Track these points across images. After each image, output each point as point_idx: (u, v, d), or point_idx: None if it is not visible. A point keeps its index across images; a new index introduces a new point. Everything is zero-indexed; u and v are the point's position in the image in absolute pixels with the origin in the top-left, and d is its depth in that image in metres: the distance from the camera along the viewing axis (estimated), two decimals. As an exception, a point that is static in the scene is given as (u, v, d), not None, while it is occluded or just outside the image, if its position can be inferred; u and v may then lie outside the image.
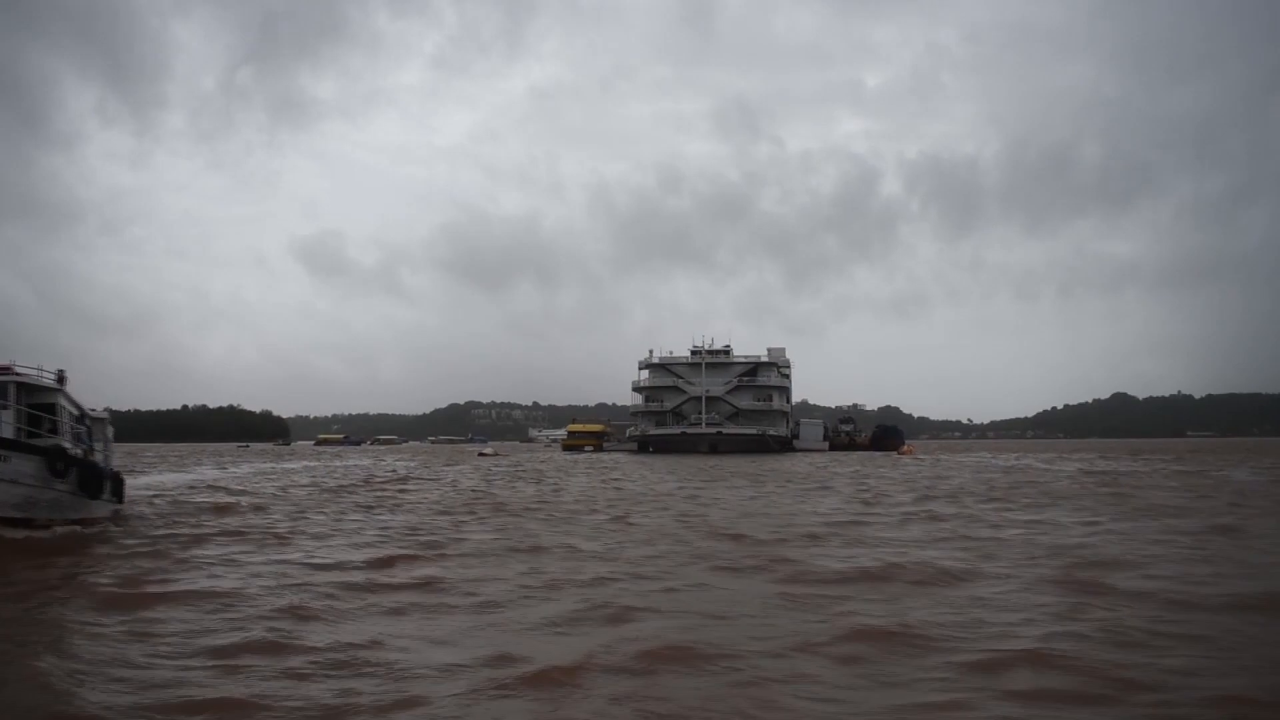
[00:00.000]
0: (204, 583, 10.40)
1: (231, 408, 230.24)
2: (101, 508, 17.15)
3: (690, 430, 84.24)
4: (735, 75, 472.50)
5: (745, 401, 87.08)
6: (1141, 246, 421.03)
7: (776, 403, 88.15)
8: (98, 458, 19.52)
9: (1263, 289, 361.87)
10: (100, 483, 16.52)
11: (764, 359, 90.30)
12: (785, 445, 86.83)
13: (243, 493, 27.25)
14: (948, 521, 17.13)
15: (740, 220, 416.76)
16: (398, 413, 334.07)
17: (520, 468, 48.11)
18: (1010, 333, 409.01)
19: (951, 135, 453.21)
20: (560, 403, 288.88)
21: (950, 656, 6.83)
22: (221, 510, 20.72)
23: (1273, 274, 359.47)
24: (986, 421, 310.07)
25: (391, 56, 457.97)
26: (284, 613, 8.64)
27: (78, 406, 18.08)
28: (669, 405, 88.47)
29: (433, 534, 15.45)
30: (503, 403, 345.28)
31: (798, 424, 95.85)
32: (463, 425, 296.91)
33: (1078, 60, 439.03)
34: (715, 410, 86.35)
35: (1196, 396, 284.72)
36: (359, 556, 12.61)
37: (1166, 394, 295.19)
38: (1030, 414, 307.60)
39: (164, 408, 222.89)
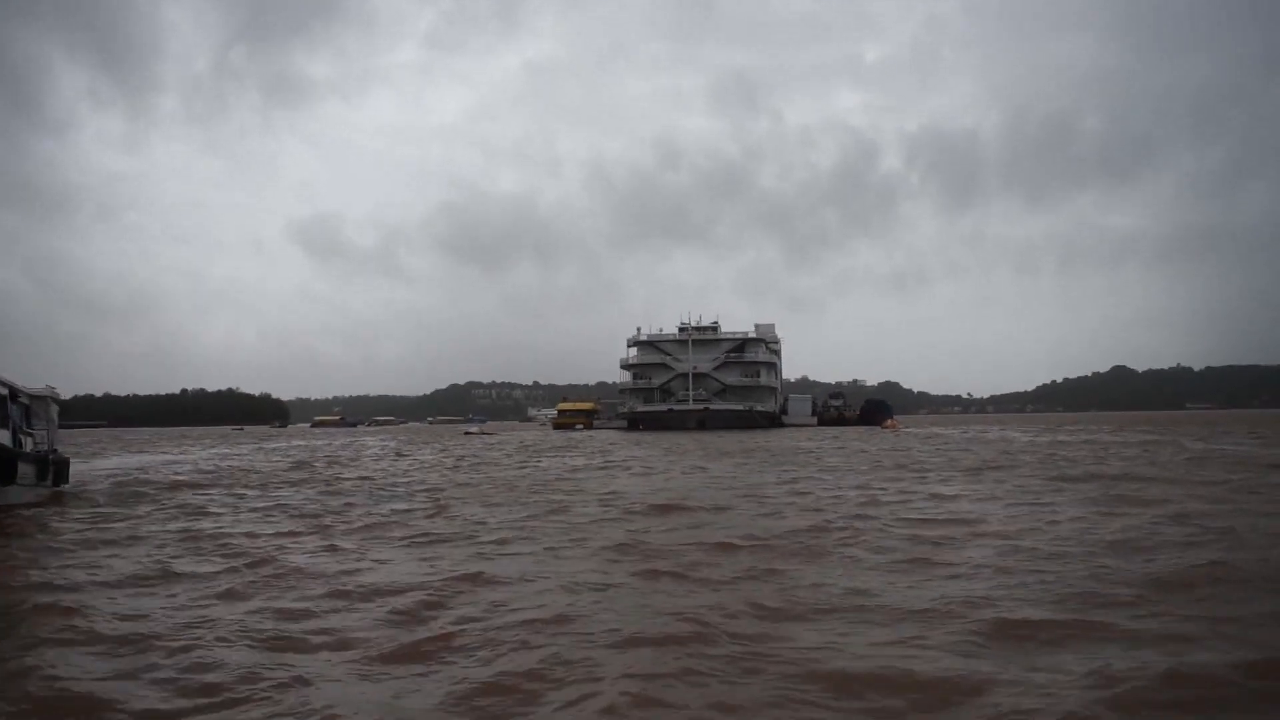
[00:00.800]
0: (66, 562, 10.49)
1: (230, 391, 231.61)
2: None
3: (677, 407, 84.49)
4: (733, 50, 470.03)
5: (733, 378, 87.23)
6: (1141, 220, 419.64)
7: (764, 378, 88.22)
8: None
9: (1261, 262, 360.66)
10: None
11: (752, 335, 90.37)
12: (773, 421, 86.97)
13: (202, 473, 27.37)
14: (858, 490, 17.19)
15: (739, 196, 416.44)
16: (399, 394, 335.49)
17: (496, 447, 48.30)
18: (1011, 307, 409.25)
19: (951, 108, 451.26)
20: (561, 381, 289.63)
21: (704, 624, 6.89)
22: (164, 489, 20.82)
23: (1271, 247, 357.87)
24: (987, 396, 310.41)
25: (386, 34, 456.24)
26: (127, 580, 8.78)
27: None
28: (657, 382, 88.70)
29: (343, 510, 15.53)
30: (503, 382, 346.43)
31: (786, 399, 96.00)
32: (463, 405, 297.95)
33: (1078, 31, 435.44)
34: (702, 386, 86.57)
35: (1196, 369, 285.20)
36: (263, 529, 12.73)
37: (1166, 366, 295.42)
38: (1030, 388, 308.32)
39: (163, 392, 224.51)
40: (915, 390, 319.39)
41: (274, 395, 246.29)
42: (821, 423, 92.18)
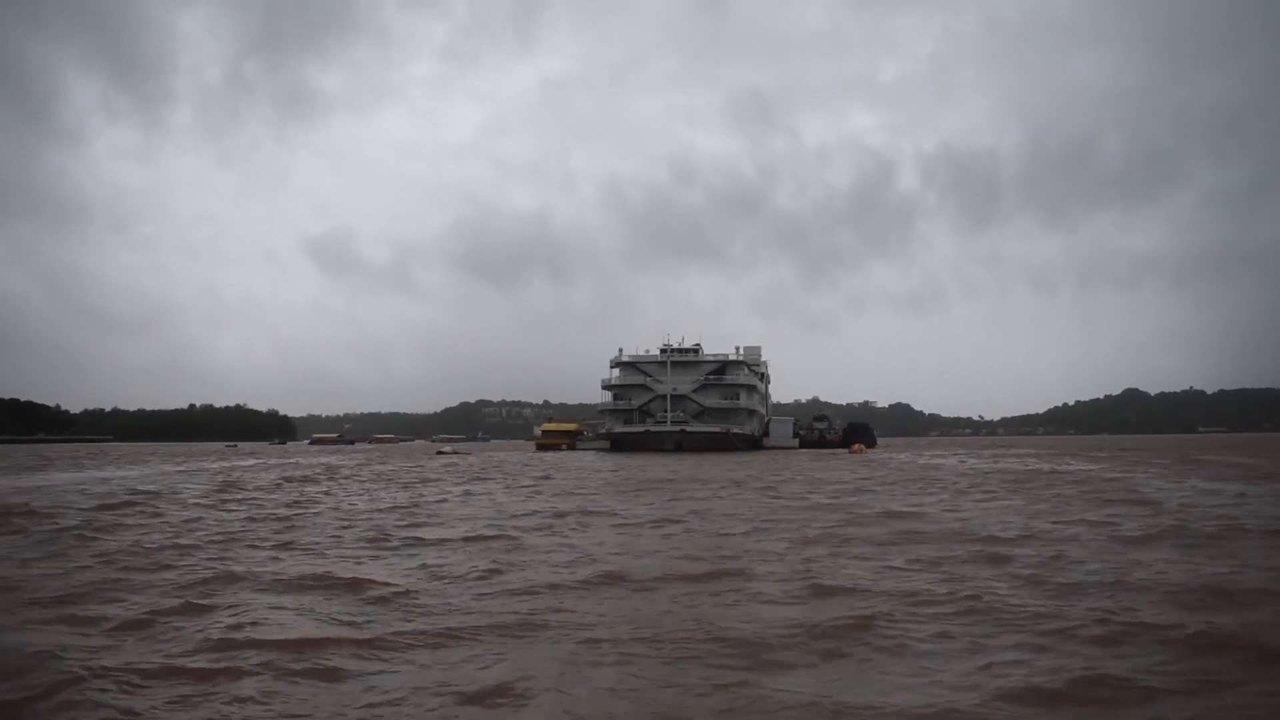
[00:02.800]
0: None
1: (238, 407, 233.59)
2: None
3: (654, 428, 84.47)
4: (749, 67, 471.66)
5: (712, 400, 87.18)
6: (1160, 240, 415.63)
7: (744, 401, 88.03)
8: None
9: (1277, 283, 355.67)
10: None
11: (733, 357, 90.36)
12: (753, 444, 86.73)
13: (116, 493, 27.36)
14: (684, 522, 17.12)
15: (754, 215, 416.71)
16: (410, 411, 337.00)
17: (444, 468, 48.42)
18: (1026, 328, 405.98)
19: (969, 127, 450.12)
20: (571, 401, 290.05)
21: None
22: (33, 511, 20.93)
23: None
24: (998, 418, 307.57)
25: (399, 48, 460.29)
26: None
27: None
28: (637, 403, 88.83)
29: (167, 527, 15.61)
30: (513, 401, 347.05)
31: (769, 422, 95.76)
32: (473, 424, 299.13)
33: (1098, 49, 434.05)
34: (681, 408, 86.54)
35: (1209, 392, 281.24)
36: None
37: (1179, 389, 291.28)
38: (1042, 410, 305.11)
39: (171, 407, 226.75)
40: (926, 412, 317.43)
41: (283, 412, 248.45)
42: (804, 445, 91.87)
